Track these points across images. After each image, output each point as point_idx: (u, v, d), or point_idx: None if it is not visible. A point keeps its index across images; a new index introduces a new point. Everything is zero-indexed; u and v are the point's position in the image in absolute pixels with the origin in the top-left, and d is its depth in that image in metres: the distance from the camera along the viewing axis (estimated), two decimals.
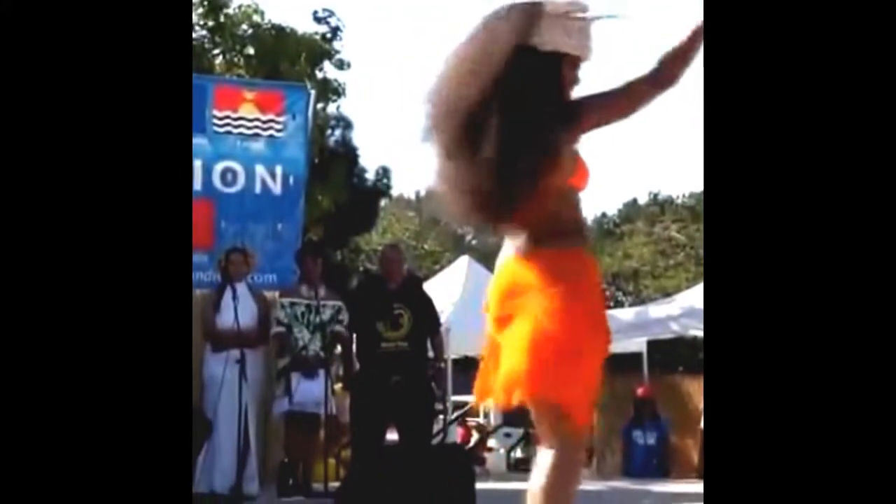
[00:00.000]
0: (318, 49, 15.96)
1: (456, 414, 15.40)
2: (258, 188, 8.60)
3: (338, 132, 21.49)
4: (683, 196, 38.29)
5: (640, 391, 11.65)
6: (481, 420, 16.91)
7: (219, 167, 8.48)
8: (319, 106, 15.31)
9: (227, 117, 8.59)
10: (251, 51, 15.72)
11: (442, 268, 19.18)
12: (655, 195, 40.75)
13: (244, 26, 15.73)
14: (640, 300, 25.17)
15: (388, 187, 25.05)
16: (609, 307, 20.15)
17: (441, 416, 12.85)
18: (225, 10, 15.44)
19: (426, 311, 7.66)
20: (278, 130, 8.70)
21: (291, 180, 8.70)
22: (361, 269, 24.12)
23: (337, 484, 7.34)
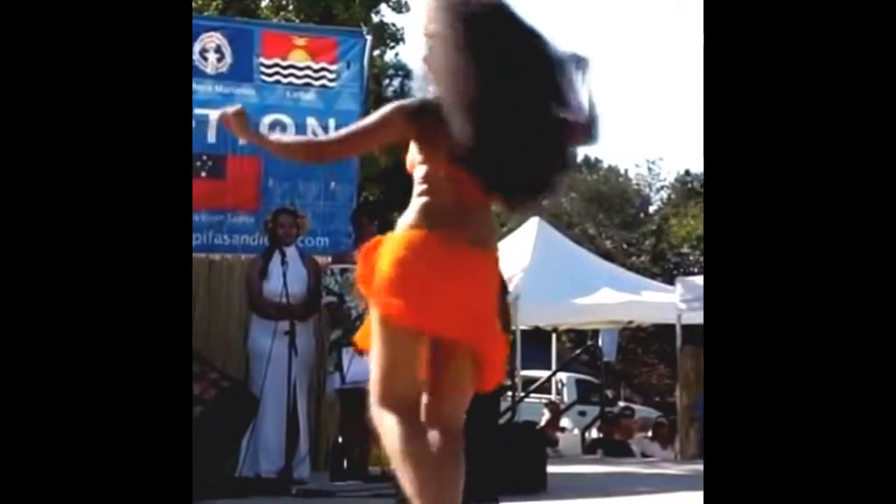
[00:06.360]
0: None
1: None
2: None
3: (396, 82, 21.41)
4: None
5: None
6: (553, 397, 16.77)
7: (267, 120, 8.40)
8: (376, 53, 15.21)
9: (276, 65, 8.53)
10: None
11: (510, 230, 19.04)
12: None
13: None
14: None
15: None
16: (693, 273, 19.92)
17: (510, 393, 12.78)
18: None
19: None
20: (331, 80, 8.64)
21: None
22: None
23: None
